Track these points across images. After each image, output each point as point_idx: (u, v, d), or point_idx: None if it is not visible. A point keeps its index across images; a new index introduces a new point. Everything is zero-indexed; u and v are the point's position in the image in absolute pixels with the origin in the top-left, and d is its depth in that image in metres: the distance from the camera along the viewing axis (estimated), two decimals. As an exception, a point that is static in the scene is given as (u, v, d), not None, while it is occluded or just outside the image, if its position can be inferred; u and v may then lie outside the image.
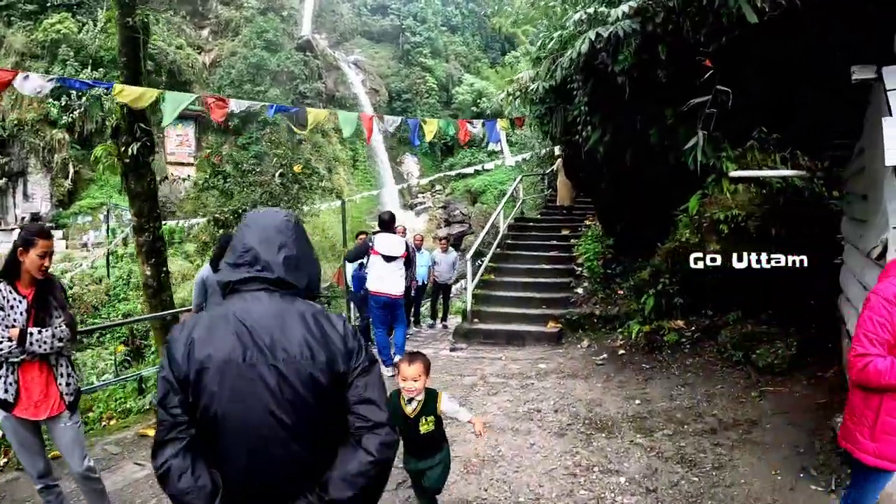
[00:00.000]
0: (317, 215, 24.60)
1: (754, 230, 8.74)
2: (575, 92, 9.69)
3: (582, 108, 9.61)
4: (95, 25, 34.76)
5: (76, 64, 32.96)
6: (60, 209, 30.96)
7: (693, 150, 7.05)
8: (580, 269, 11.66)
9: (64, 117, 31.63)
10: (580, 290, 11.17)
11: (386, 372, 8.16)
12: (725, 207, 8.85)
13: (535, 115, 10.86)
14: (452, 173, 31.46)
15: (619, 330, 10.02)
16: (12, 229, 28.85)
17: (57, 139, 31.19)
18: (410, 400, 3.86)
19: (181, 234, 30.50)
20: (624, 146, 9.51)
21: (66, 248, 28.79)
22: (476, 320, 10.89)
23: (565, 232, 13.75)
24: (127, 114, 10.36)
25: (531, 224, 15.31)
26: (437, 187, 42.07)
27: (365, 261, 9.07)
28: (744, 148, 7.92)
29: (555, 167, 15.37)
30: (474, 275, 11.67)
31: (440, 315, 13.43)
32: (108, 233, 29.43)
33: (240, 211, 11.77)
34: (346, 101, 41.50)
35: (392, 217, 9.19)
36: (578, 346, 9.98)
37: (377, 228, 9.09)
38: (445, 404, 3.96)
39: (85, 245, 30.23)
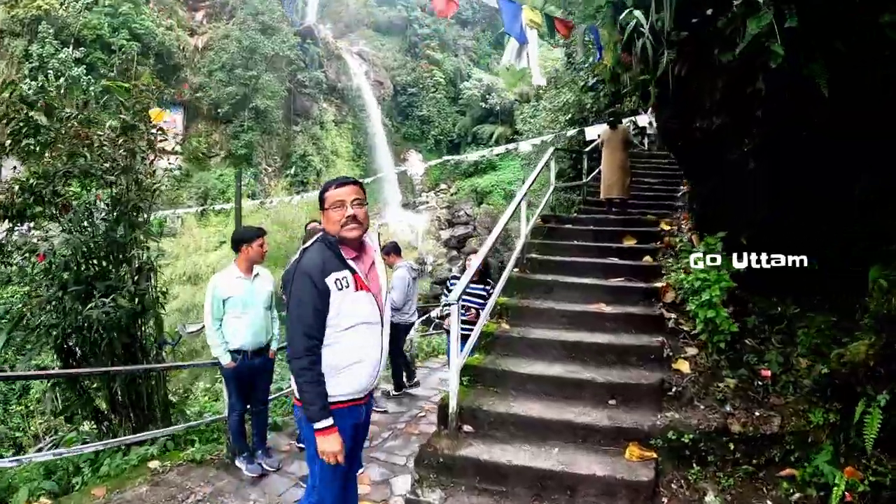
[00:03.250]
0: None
1: None
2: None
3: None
4: (78, 0, 28.90)
5: (56, 43, 27.46)
6: (37, 195, 25.64)
7: None
8: (673, 315, 5.40)
9: (41, 99, 26.20)
10: (684, 367, 4.88)
11: None
12: None
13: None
14: (456, 158, 24.98)
15: (788, 474, 3.92)
16: (-16, 217, 24.32)
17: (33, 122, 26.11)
18: None
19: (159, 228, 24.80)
20: (821, 47, 3.82)
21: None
22: (467, 430, 4.54)
23: (629, 242, 7.26)
24: None
25: (567, 227, 8.05)
26: (442, 186, 35.88)
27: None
28: None
29: (599, 141, 9.00)
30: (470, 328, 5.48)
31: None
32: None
33: (47, 176, 5.57)
34: (348, 92, 35.30)
35: None
36: (705, 523, 3.76)
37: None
38: None
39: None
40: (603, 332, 5.34)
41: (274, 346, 4.90)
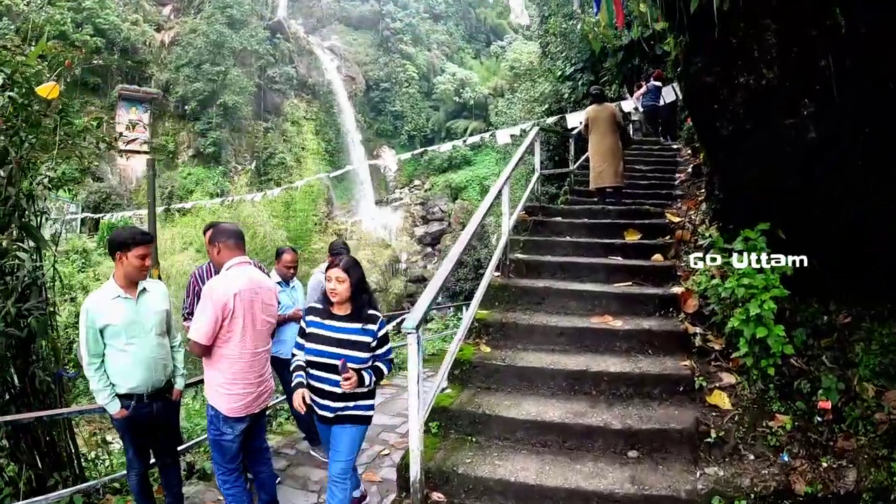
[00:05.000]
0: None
1: None
2: None
3: None
4: (42, -4, 26.99)
5: (16, 39, 25.39)
6: (-7, 201, 23.90)
7: None
8: (698, 330, 4.24)
9: (-3, 100, 24.37)
10: (723, 401, 3.70)
11: None
12: None
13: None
14: (428, 150, 23.48)
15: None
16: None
17: (-10, 126, 24.50)
18: None
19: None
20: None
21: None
22: (437, 501, 3.22)
23: (633, 238, 5.89)
24: None
25: (557, 220, 6.59)
26: (416, 182, 34.55)
27: None
28: None
29: (583, 123, 7.70)
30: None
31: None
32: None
33: None
34: (319, 87, 33.72)
35: None
36: None
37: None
38: None
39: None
40: (613, 355, 4.09)
41: (179, 385, 3.52)
